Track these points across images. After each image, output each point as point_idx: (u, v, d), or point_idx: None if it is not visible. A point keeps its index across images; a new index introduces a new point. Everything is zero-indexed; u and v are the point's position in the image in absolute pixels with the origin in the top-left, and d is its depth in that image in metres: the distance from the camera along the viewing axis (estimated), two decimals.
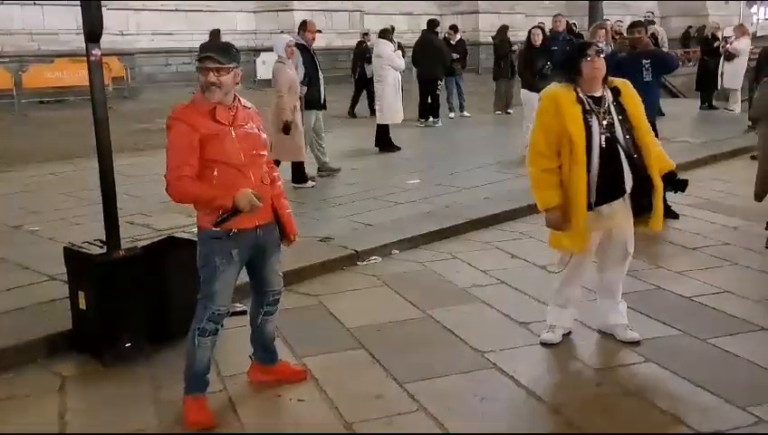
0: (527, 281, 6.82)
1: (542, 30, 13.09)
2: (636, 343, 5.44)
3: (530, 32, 12.99)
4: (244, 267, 4.68)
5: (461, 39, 19.52)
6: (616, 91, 5.24)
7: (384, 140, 13.73)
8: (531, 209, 9.10)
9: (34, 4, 24.43)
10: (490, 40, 26.55)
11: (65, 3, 23.99)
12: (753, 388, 4.80)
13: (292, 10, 29.48)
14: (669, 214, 7.93)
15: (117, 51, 23.15)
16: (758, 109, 8.50)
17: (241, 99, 4.60)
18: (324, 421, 4.55)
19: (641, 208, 5.31)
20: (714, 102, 18.98)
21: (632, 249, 5.49)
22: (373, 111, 15.20)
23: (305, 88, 10.66)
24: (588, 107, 5.12)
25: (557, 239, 5.38)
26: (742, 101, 17.73)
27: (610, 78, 5.27)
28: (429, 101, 16.89)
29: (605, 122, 5.13)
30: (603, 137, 5.11)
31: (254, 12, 30.59)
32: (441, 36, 18.14)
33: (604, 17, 15.41)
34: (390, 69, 13.89)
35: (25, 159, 13.38)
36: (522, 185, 10.16)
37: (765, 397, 4.66)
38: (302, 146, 10.37)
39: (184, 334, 5.45)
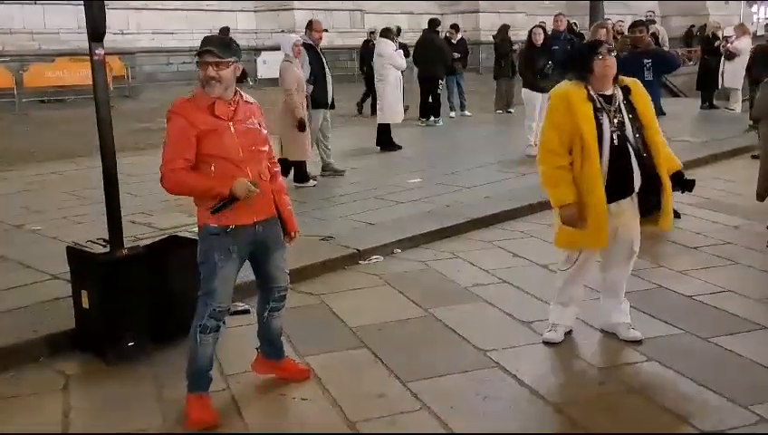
0: (529, 280, 6.83)
1: (544, 29, 13.08)
2: (638, 342, 5.45)
3: (531, 31, 12.98)
4: (248, 265, 4.69)
5: (462, 38, 19.52)
6: (626, 90, 5.26)
7: (385, 140, 13.74)
8: (532, 209, 9.18)
9: (35, 3, 24.46)
10: (490, 39, 26.55)
11: (66, 2, 24.02)
12: (755, 387, 4.81)
13: (293, 9, 29.49)
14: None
15: (118, 50, 23.16)
16: (760, 108, 8.51)
17: (243, 94, 4.60)
18: (327, 420, 4.55)
19: (650, 208, 5.31)
20: (714, 102, 18.99)
21: (638, 248, 5.50)
22: (375, 111, 15.18)
23: (311, 87, 10.66)
24: (599, 105, 5.14)
25: (567, 238, 5.37)
26: (742, 101, 17.74)
27: (621, 77, 5.29)
28: (430, 100, 16.88)
29: (615, 121, 5.15)
30: (614, 135, 5.13)
31: (254, 11, 30.59)
32: (442, 35, 18.15)
33: (605, 16, 15.43)
34: (392, 68, 13.90)
35: (26, 159, 13.40)
36: (523, 184, 10.28)
37: (767, 396, 4.67)
38: (306, 145, 10.36)
39: (186, 333, 5.47)
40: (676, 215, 8.60)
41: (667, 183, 5.24)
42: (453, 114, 18.22)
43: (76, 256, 5.63)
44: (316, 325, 5.97)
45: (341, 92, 18.67)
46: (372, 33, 20.23)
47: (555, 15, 14.22)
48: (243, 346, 5.33)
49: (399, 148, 13.62)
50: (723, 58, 18.01)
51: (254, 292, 5.47)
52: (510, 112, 18.38)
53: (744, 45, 17.71)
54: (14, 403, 4.88)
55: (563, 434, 4.44)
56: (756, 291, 6.51)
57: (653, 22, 20.01)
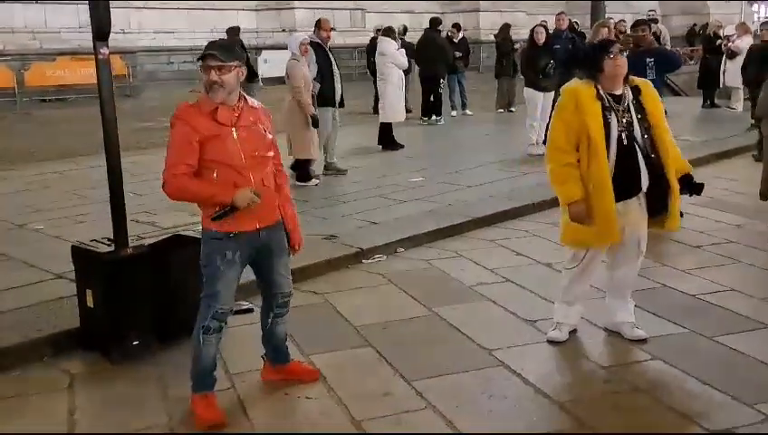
0: (533, 279, 6.83)
1: (546, 28, 13.07)
2: (643, 341, 5.46)
3: (533, 30, 12.97)
4: (251, 265, 4.68)
5: (464, 37, 19.50)
6: (636, 90, 5.25)
7: (387, 138, 13.74)
8: (534, 207, 9.20)
9: (36, 2, 24.48)
10: (491, 38, 26.53)
11: (67, 1, 24.07)
12: (760, 386, 4.81)
13: (294, 8, 29.51)
14: None
15: (119, 49, 23.13)
16: (763, 107, 8.51)
17: (248, 98, 4.58)
18: (333, 419, 4.56)
19: (657, 209, 5.31)
20: (716, 101, 18.99)
21: (645, 248, 5.50)
22: (376, 110, 15.18)
23: (318, 85, 10.66)
24: (607, 104, 5.15)
25: (574, 236, 5.37)
26: (744, 100, 17.73)
27: (632, 77, 5.29)
28: (432, 99, 16.88)
29: (624, 120, 5.15)
30: (622, 135, 5.14)
31: (255, 10, 30.60)
32: (444, 34, 18.15)
33: (606, 15, 15.43)
34: (394, 67, 13.90)
35: (27, 158, 13.40)
36: (525, 183, 10.29)
37: None
38: (312, 143, 10.34)
39: (190, 332, 5.47)
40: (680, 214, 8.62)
41: (675, 185, 5.23)
42: (454, 113, 18.21)
43: (81, 255, 5.63)
44: (320, 324, 5.97)
45: (345, 91, 18.71)
46: (378, 30, 20.21)
47: (557, 14, 14.20)
48: (247, 345, 5.34)
49: (401, 147, 13.61)
50: (724, 57, 18.01)
51: (256, 291, 5.50)
52: (512, 111, 18.37)
53: (746, 44, 17.66)
54: (19, 402, 4.87)
55: (572, 434, 4.43)
56: (760, 290, 6.51)
57: (655, 21, 20.00)
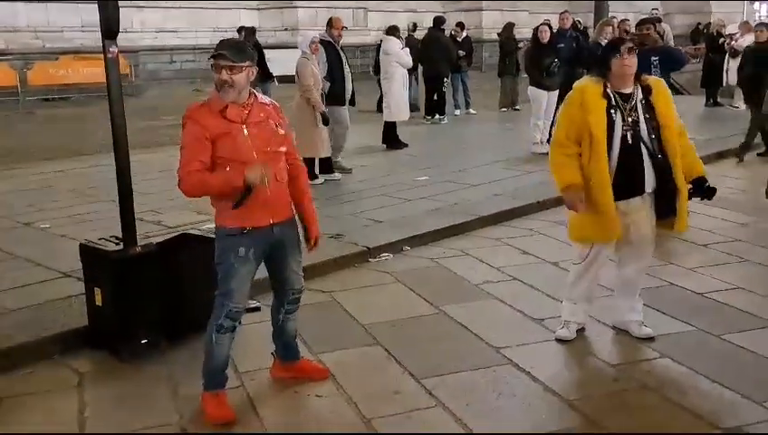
0: (539, 277, 6.84)
1: (550, 27, 13.06)
2: (651, 339, 5.47)
3: (537, 29, 12.96)
4: (265, 262, 4.68)
5: (467, 36, 19.49)
6: (647, 90, 5.23)
7: (391, 137, 13.74)
8: (540, 206, 9.21)
9: (39, 1, 24.48)
10: (494, 37, 26.48)
11: (70, 0, 24.06)
12: None
13: (296, 8, 29.50)
14: None
15: (121, 48, 23.00)
16: None
17: (258, 94, 4.59)
18: (343, 417, 4.57)
19: (666, 210, 5.30)
20: (719, 99, 18.99)
21: (650, 248, 5.50)
22: (381, 108, 15.18)
23: (328, 84, 10.67)
24: (614, 102, 5.15)
25: (579, 231, 5.40)
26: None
27: (645, 76, 5.28)
28: (435, 98, 16.88)
29: (630, 119, 5.15)
30: (627, 133, 5.14)
31: (257, 9, 30.60)
32: (447, 33, 18.14)
33: (609, 14, 15.43)
34: (398, 66, 13.91)
35: (31, 157, 13.39)
36: (529, 182, 10.30)
37: None
38: (318, 142, 10.34)
39: (199, 331, 5.49)
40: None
41: (683, 186, 5.21)
42: (458, 112, 18.20)
43: (89, 253, 5.63)
44: (328, 323, 5.98)
45: None
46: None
47: (561, 13, 14.18)
48: (256, 343, 5.35)
49: (405, 145, 13.61)
50: (727, 56, 18.00)
51: (265, 289, 5.52)
52: (517, 110, 18.33)
53: (748, 43, 17.70)
54: (29, 401, 4.88)
55: (585, 434, 4.42)
56: (766, 288, 6.52)
57: (659, 20, 19.99)
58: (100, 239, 5.73)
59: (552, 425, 4.49)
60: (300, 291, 4.85)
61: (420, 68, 17.26)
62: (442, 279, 6.95)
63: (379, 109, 15.66)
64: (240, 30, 19.00)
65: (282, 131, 4.58)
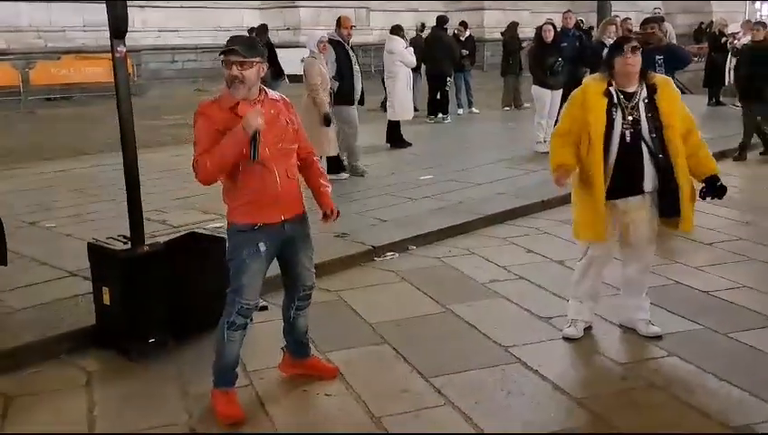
0: (545, 276, 6.85)
1: (554, 26, 13.06)
2: (658, 338, 5.47)
3: (541, 28, 12.96)
4: (277, 259, 4.69)
5: (470, 35, 19.49)
6: (652, 89, 5.22)
7: (395, 136, 13.75)
8: (544, 205, 9.22)
9: (41, 0, 24.49)
10: (495, 36, 26.44)
11: (72, 0, 24.06)
12: None
13: (298, 7, 29.50)
14: None
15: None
16: None
17: (268, 91, 4.58)
18: (352, 416, 4.57)
19: (668, 210, 5.29)
20: (721, 99, 18.97)
21: (650, 248, 5.50)
22: (385, 107, 15.17)
23: (337, 83, 10.66)
24: (616, 101, 5.16)
25: (574, 226, 5.49)
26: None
27: (652, 74, 5.28)
28: (439, 97, 16.88)
29: (630, 118, 5.15)
30: (627, 132, 5.15)
31: (259, 9, 30.59)
32: (450, 33, 18.14)
33: (612, 13, 15.43)
34: (402, 65, 13.92)
35: (34, 156, 13.39)
36: (533, 181, 10.30)
37: None
38: (325, 141, 10.32)
39: (206, 329, 5.52)
40: None
41: (685, 187, 5.19)
42: (461, 111, 18.20)
43: (97, 252, 5.64)
44: (335, 322, 5.98)
45: None
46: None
47: (564, 12, 14.21)
48: (264, 342, 5.37)
49: (409, 145, 13.62)
50: (729, 55, 17.99)
51: (274, 288, 5.53)
52: (526, 108, 18.25)
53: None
54: (37, 400, 4.89)
55: (595, 434, 4.41)
56: None
57: (662, 19, 19.97)
58: (107, 238, 5.73)
59: (561, 423, 4.49)
60: (311, 288, 4.86)
61: (423, 67, 17.27)
62: (448, 278, 6.96)
63: (384, 108, 15.65)
64: (251, 30, 19.01)
65: (293, 127, 4.58)
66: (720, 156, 12.52)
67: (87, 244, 5.78)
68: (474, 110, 18.56)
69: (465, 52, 18.08)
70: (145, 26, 27.29)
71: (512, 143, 13.85)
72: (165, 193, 9.85)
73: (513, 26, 19.75)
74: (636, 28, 13.88)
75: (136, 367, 5.30)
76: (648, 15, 14.55)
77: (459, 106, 18.30)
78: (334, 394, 4.83)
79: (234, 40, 4.42)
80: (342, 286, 6.71)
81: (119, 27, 5.23)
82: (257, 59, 4.36)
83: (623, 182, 5.20)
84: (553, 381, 4.91)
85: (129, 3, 5.21)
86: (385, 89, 14.88)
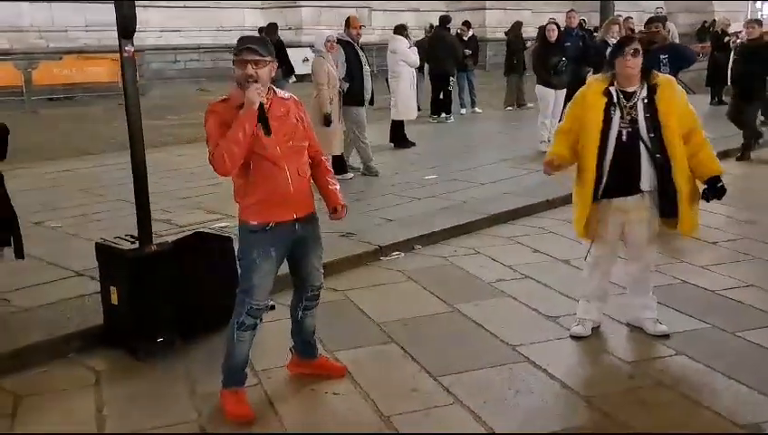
0: (552, 276, 6.85)
1: (558, 26, 13.07)
2: (665, 337, 5.48)
3: (545, 27, 12.97)
4: (287, 260, 4.69)
5: (473, 35, 19.49)
6: (653, 89, 5.21)
7: (399, 136, 13.76)
8: (549, 205, 9.22)
9: (43, 1, 24.50)
10: (497, 36, 26.49)
11: (74, 0, 24.06)
12: None
13: (300, 6, 29.52)
14: None
15: None
16: None
17: (277, 90, 4.59)
18: (361, 415, 4.57)
19: (668, 210, 5.29)
20: (723, 97, 18.95)
21: (648, 248, 5.49)
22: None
23: (347, 84, 10.66)
24: (615, 100, 5.19)
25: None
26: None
27: (656, 74, 5.28)
28: (441, 97, 16.89)
29: (629, 117, 5.17)
30: (624, 131, 5.16)
31: (261, 9, 30.61)
32: (453, 32, 18.15)
33: (615, 13, 15.44)
34: (405, 65, 13.92)
35: (38, 156, 13.40)
36: (537, 180, 10.28)
37: None
38: (331, 141, 10.33)
39: (213, 329, 5.54)
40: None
41: (684, 188, 5.18)
42: (464, 111, 18.22)
43: (105, 252, 5.65)
44: (343, 321, 5.99)
45: None
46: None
47: (568, 12, 14.20)
48: (272, 342, 5.37)
49: (413, 144, 13.63)
50: (732, 54, 17.95)
51: (280, 287, 5.53)
52: (530, 107, 18.26)
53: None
54: (46, 400, 4.90)
55: (607, 433, 4.40)
56: None
57: (665, 18, 19.98)
58: (115, 238, 5.74)
59: (570, 422, 4.49)
60: (319, 288, 4.86)
61: (426, 67, 17.28)
62: (454, 278, 6.97)
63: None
64: (261, 29, 19.00)
65: (303, 126, 4.58)
66: (722, 155, 12.54)
67: (95, 243, 5.79)
68: (476, 109, 18.58)
69: (468, 51, 18.09)
70: (147, 26, 27.24)
71: (515, 143, 13.86)
72: (169, 193, 9.87)
73: (518, 26, 19.76)
74: (637, 28, 13.91)
75: (144, 366, 5.31)
76: (652, 15, 14.53)
77: (462, 106, 18.31)
78: (343, 393, 4.83)
79: (247, 39, 4.43)
80: (349, 286, 6.72)
81: (126, 27, 5.24)
82: (270, 58, 4.38)
83: (620, 181, 5.23)
84: (561, 380, 4.91)
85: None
86: (389, 88, 14.88)
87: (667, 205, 5.26)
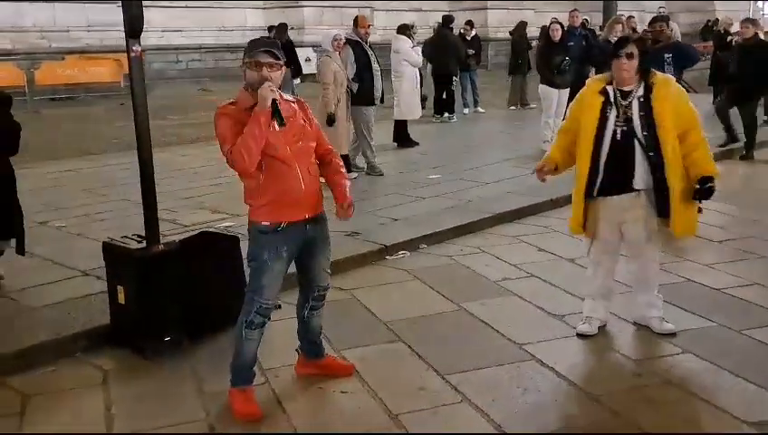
0: (557, 274, 6.86)
1: (561, 25, 13.07)
2: (672, 335, 5.49)
3: (549, 27, 12.98)
4: (295, 261, 4.70)
5: (476, 35, 19.50)
6: (650, 88, 5.20)
7: (402, 136, 13.77)
8: (553, 204, 9.22)
9: (45, 1, 24.51)
10: (499, 36, 26.47)
11: (76, 0, 24.06)
12: None
13: (302, 6, 29.53)
14: None
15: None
16: None
17: (282, 93, 4.61)
18: (370, 413, 4.58)
19: (663, 210, 5.28)
20: None
21: (647, 246, 5.48)
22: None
23: (356, 84, 10.67)
24: (611, 99, 5.22)
25: None
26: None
27: (654, 73, 5.28)
28: (445, 96, 16.90)
29: (624, 116, 5.19)
30: (619, 130, 5.19)
31: (263, 8, 30.62)
32: (456, 32, 18.15)
33: (618, 12, 15.46)
34: (408, 65, 13.93)
35: (41, 156, 13.39)
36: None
37: None
38: (338, 141, 10.31)
39: (220, 328, 5.54)
40: (698, 210, 8.59)
41: (676, 187, 5.17)
42: (466, 111, 18.23)
43: (112, 251, 5.66)
44: (350, 320, 6.00)
45: None
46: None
47: (571, 11, 14.23)
48: (278, 341, 5.37)
49: (416, 144, 13.65)
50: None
51: (286, 287, 5.51)
52: (532, 108, 18.27)
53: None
54: (55, 399, 4.91)
55: (618, 433, 4.40)
56: None
57: (668, 18, 19.97)
58: (122, 238, 5.75)
59: (578, 420, 4.51)
60: (326, 288, 4.88)
61: (429, 66, 17.29)
62: (460, 277, 6.97)
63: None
64: (270, 29, 18.97)
65: (311, 127, 4.60)
66: (723, 155, 12.57)
67: (102, 243, 5.80)
68: (479, 109, 18.58)
69: (471, 51, 18.09)
70: (148, 26, 27.05)
71: (518, 142, 13.87)
72: (173, 193, 9.87)
73: (522, 26, 19.76)
74: (639, 27, 13.91)
75: (151, 366, 5.32)
76: (655, 14, 14.54)
77: (465, 105, 18.32)
78: (351, 392, 4.84)
79: (260, 42, 4.46)
80: (355, 285, 6.73)
81: (134, 26, 5.25)
82: (282, 62, 4.43)
83: (614, 179, 5.25)
84: (569, 378, 4.92)
85: None
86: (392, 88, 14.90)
87: (661, 204, 5.27)
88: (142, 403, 4.84)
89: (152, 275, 5.43)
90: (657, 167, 5.17)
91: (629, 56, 5.16)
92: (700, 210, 8.21)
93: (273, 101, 4.29)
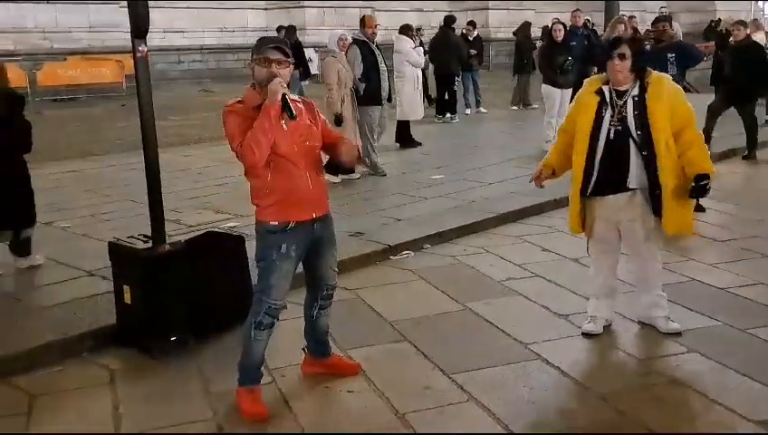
0: (561, 274, 6.87)
1: (564, 25, 13.09)
2: (677, 334, 5.49)
3: (551, 27, 13.00)
4: (303, 261, 4.71)
5: (478, 35, 19.51)
6: (644, 87, 5.21)
7: (405, 136, 13.79)
8: (556, 204, 9.20)
9: (47, 2, 24.53)
10: (500, 36, 26.47)
11: (78, 1, 24.08)
12: None
13: (304, 7, 29.55)
14: (696, 208, 7.95)
15: (128, 48, 23.21)
16: None
17: (288, 94, 4.62)
18: (376, 412, 4.59)
19: (658, 209, 5.28)
20: None
21: (645, 246, 5.48)
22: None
23: (363, 84, 10.67)
24: (606, 99, 5.24)
25: None
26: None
27: (649, 72, 5.28)
28: (446, 96, 16.91)
29: (619, 115, 5.21)
30: (613, 129, 5.21)
31: (264, 9, 30.65)
32: (458, 32, 18.17)
33: (620, 12, 15.47)
34: (409, 65, 13.94)
35: (44, 157, 13.37)
36: None
37: None
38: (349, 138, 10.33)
39: (226, 328, 5.56)
40: (701, 209, 8.62)
41: (668, 185, 5.17)
42: (468, 111, 18.24)
43: (118, 251, 5.67)
44: (355, 320, 6.01)
45: None
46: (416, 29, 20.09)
47: (573, 11, 14.26)
48: (284, 340, 5.36)
49: (419, 144, 13.66)
50: None
51: (292, 286, 5.53)
52: (535, 108, 18.26)
53: (758, 41, 17.66)
54: (61, 399, 4.93)
55: (625, 433, 4.40)
56: None
57: (671, 18, 19.98)
58: (128, 238, 5.76)
59: (586, 419, 4.51)
60: (334, 287, 4.89)
61: (431, 67, 17.31)
62: (465, 276, 6.98)
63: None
64: (279, 29, 18.97)
65: (316, 127, 4.61)
66: (731, 153, 12.61)
67: (108, 243, 5.81)
68: (481, 109, 18.60)
69: (473, 51, 18.10)
70: (150, 27, 27.28)
71: (521, 142, 13.88)
72: (177, 193, 9.87)
73: (526, 26, 19.79)
74: (640, 27, 13.91)
75: (158, 365, 5.34)
76: (657, 15, 14.56)
77: (467, 106, 18.33)
78: (357, 391, 4.85)
79: (269, 40, 4.48)
80: (360, 285, 6.73)
81: (140, 27, 5.26)
82: (291, 60, 4.46)
83: (609, 178, 5.27)
84: (575, 378, 4.94)
85: None
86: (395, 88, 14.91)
87: (655, 203, 5.28)
88: (149, 403, 4.85)
89: (158, 274, 5.44)
90: (650, 165, 5.19)
91: (621, 57, 5.17)
92: (703, 209, 8.39)
93: (283, 95, 4.31)
